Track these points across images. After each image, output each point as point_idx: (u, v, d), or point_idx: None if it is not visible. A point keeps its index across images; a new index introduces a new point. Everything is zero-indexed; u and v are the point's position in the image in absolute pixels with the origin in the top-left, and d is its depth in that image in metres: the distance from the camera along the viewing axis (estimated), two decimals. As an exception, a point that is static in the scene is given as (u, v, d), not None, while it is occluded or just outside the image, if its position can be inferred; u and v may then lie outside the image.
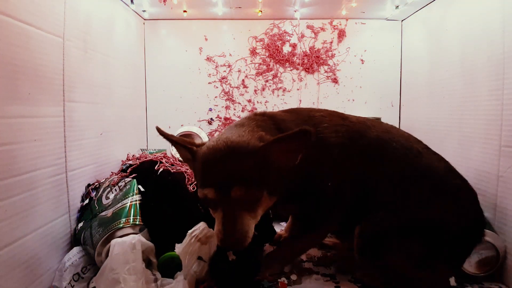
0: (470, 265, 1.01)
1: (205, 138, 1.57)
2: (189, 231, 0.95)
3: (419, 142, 1.01)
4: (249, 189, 0.76)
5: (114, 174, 1.28)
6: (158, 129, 0.88)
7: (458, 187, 0.93)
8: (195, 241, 0.93)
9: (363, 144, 0.95)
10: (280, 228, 1.36)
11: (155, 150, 1.64)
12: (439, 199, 0.90)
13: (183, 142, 0.87)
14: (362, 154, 0.94)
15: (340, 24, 1.86)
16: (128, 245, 0.89)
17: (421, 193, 0.91)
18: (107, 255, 0.91)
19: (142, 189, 1.11)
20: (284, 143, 0.77)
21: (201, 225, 0.96)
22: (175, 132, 1.67)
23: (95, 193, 1.15)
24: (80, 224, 1.07)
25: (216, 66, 1.88)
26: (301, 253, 1.10)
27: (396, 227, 0.89)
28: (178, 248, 0.94)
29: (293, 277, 1.02)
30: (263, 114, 0.95)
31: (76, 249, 1.03)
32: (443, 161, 0.99)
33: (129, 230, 0.98)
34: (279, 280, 0.99)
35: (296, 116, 0.98)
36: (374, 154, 0.94)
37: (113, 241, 0.91)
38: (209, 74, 1.89)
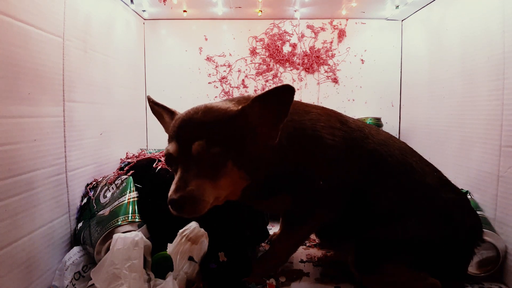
0: (470, 265, 1.00)
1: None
2: (180, 231, 0.95)
3: (413, 154, 1.00)
4: (210, 147, 0.70)
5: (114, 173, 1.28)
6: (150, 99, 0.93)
7: (451, 202, 0.92)
8: (185, 240, 0.93)
9: (359, 155, 0.93)
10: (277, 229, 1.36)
11: (155, 150, 1.63)
12: (432, 215, 0.90)
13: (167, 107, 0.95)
14: (357, 165, 0.93)
15: (340, 24, 1.86)
16: (130, 241, 0.88)
17: (415, 210, 0.90)
18: (106, 253, 0.90)
19: (139, 186, 1.11)
20: (264, 102, 0.72)
21: (192, 225, 0.96)
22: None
23: (93, 192, 1.15)
24: (80, 224, 1.07)
25: (216, 66, 1.88)
26: (291, 252, 1.07)
27: (392, 243, 0.88)
28: (170, 248, 0.94)
29: (282, 279, 1.02)
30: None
31: (76, 248, 1.03)
32: (436, 174, 0.97)
33: (128, 228, 0.98)
34: (267, 281, 0.99)
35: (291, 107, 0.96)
36: (369, 168, 0.93)
37: (115, 236, 0.91)
38: (209, 74, 1.89)
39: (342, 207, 0.94)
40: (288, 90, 0.70)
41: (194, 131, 0.73)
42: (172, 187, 0.72)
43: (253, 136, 0.76)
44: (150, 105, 0.99)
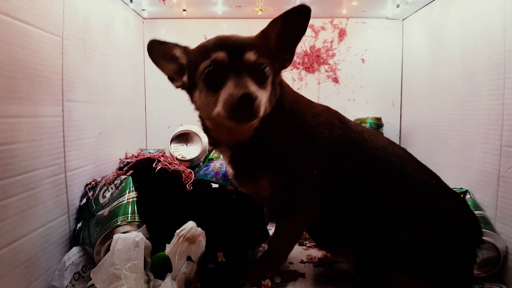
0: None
1: (204, 137, 1.56)
2: (177, 231, 0.94)
3: (412, 161, 0.99)
4: (260, 56, 0.79)
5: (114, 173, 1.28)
6: None
7: (452, 209, 0.92)
8: (183, 240, 0.93)
9: (356, 157, 0.93)
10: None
11: (154, 150, 1.63)
12: (433, 223, 0.89)
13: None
14: (353, 166, 0.93)
15: (340, 23, 1.85)
16: (131, 242, 0.88)
17: (415, 218, 0.90)
18: (106, 254, 0.90)
19: (138, 186, 1.11)
20: (283, 21, 0.83)
21: (189, 224, 0.96)
22: (174, 131, 1.66)
23: (92, 192, 1.15)
24: (79, 224, 1.07)
25: (216, 65, 1.87)
26: (287, 249, 1.06)
27: (394, 251, 0.88)
28: (168, 248, 0.93)
29: (277, 279, 1.02)
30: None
31: (76, 249, 1.02)
32: (435, 182, 0.96)
33: (127, 228, 0.98)
34: (263, 282, 0.98)
35: (300, 97, 1.00)
36: (365, 172, 0.93)
37: (116, 236, 0.90)
38: (209, 73, 1.88)
39: (331, 202, 0.94)
40: (304, 8, 0.78)
41: (243, 43, 0.81)
42: (235, 88, 0.74)
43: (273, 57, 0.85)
44: (155, 46, 0.95)
